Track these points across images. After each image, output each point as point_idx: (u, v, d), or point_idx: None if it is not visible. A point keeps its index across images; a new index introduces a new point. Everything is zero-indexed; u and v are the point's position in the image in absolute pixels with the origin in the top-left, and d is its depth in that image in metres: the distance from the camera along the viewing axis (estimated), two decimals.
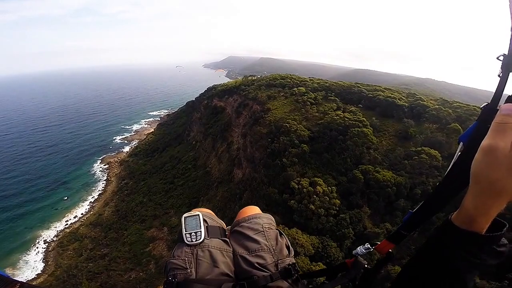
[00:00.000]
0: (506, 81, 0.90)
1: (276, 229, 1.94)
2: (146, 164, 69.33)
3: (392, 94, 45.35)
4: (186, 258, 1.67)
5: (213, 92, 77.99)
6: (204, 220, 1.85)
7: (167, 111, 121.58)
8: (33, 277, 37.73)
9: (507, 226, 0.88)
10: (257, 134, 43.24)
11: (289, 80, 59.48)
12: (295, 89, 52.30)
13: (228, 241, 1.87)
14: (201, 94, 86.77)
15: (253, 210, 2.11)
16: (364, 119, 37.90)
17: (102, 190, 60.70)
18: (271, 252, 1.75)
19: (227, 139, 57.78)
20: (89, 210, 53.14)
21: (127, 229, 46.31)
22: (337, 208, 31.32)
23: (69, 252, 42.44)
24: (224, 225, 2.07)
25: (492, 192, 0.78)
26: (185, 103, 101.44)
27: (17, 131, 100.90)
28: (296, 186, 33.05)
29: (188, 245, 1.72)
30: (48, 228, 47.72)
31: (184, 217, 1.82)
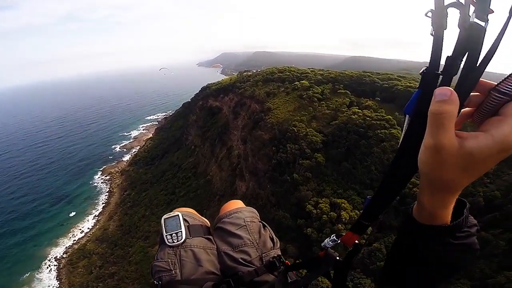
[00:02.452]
0: (442, 39, 0.72)
1: (259, 222, 1.80)
2: (146, 172, 63.67)
3: (411, 83, 36.38)
4: (170, 260, 1.55)
5: (207, 92, 69.09)
6: (185, 220, 1.70)
7: (164, 114, 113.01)
8: None
9: (468, 205, 0.79)
10: (258, 140, 34.62)
11: (288, 73, 50.30)
12: (296, 83, 43.19)
13: (212, 238, 1.74)
14: (196, 95, 78.31)
15: (235, 204, 1.97)
16: (390, 117, 29.02)
17: (106, 202, 57.10)
18: (254, 246, 1.64)
19: (226, 143, 49.65)
20: (95, 224, 50.45)
21: (132, 246, 42.97)
22: (367, 234, 22.91)
23: (79, 269, 41.08)
24: (207, 222, 1.91)
25: (448, 189, 0.70)
26: (181, 104, 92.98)
27: (15, 148, 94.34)
28: (314, 211, 24.68)
29: (170, 246, 1.59)
30: (56, 245, 45.82)
31: (164, 219, 1.68)
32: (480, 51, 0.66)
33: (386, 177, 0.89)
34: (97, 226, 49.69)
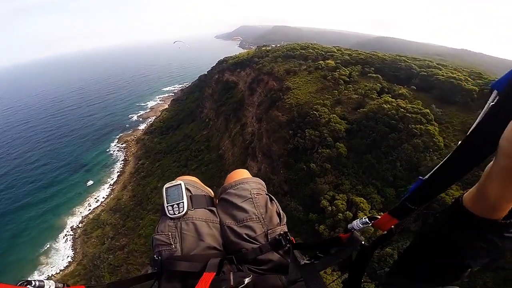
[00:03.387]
0: None
1: (266, 195, 1.67)
2: (161, 142, 63.33)
3: (453, 73, 31.24)
4: (170, 233, 1.45)
5: (224, 66, 65.34)
6: (187, 189, 1.58)
7: (181, 85, 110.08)
8: (65, 265, 37.66)
9: None
10: (275, 121, 31.36)
11: (312, 51, 45.53)
12: (321, 62, 38.65)
13: (215, 210, 1.61)
14: (212, 68, 74.82)
15: (242, 174, 1.82)
16: (427, 110, 24.68)
17: (121, 171, 57.39)
18: (260, 222, 1.51)
19: (240, 119, 46.81)
20: (110, 194, 50.78)
21: (142, 218, 42.54)
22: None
23: (93, 240, 41.54)
24: (211, 192, 1.78)
25: None
26: (198, 77, 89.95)
27: (38, 117, 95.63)
28: (329, 207, 21.93)
29: (171, 218, 1.48)
30: (73, 214, 46.44)
31: (165, 188, 1.57)
32: None
33: (450, 157, 0.78)
34: (112, 196, 50.11)
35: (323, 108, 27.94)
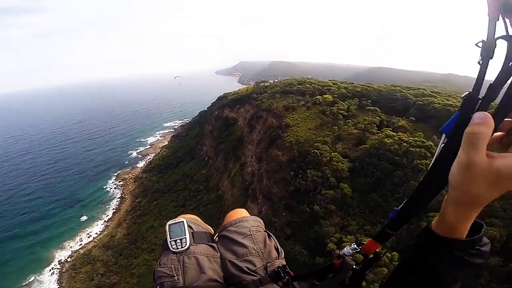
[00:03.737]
0: (486, 68, 0.82)
1: (264, 231, 1.74)
2: (159, 181, 61.99)
3: (449, 100, 31.03)
4: (173, 266, 1.50)
5: (223, 102, 66.09)
6: (189, 226, 1.65)
7: (181, 121, 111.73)
8: None
9: (485, 226, 0.86)
10: (275, 161, 30.40)
11: (309, 86, 46.00)
12: (318, 97, 38.77)
13: (216, 246, 1.68)
14: (212, 104, 75.83)
15: (240, 213, 1.91)
16: (430, 143, 23.79)
17: (117, 208, 56.00)
18: (259, 256, 1.58)
19: (240, 158, 46.02)
20: (103, 230, 49.41)
21: (136, 257, 41.07)
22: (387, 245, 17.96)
23: (81, 275, 39.96)
24: (211, 230, 1.86)
25: (472, 204, 0.76)
26: (198, 112, 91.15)
27: (38, 149, 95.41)
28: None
29: (173, 252, 1.54)
30: (63, 248, 45.07)
31: (169, 225, 1.63)
32: None
33: (416, 190, 0.96)
34: (105, 232, 48.72)
35: (324, 146, 27.12)
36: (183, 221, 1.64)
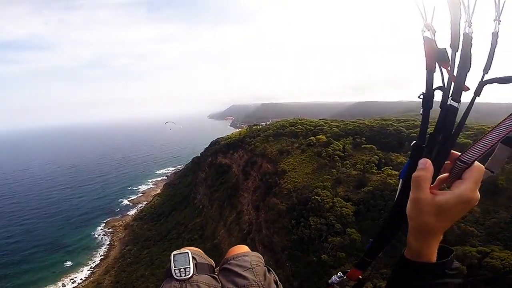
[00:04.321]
0: (428, 118, 0.94)
1: (265, 266, 1.82)
2: (151, 229, 58.86)
3: None
4: None
5: (216, 147, 65.27)
6: (193, 257, 1.73)
7: (174, 168, 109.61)
8: None
9: (455, 252, 0.97)
10: (273, 210, 28.35)
11: (301, 127, 45.89)
12: (312, 138, 38.36)
13: (217, 277, 1.75)
14: (205, 149, 74.87)
15: (242, 249, 2.01)
16: None
17: (105, 255, 53.08)
18: (259, 287, 1.64)
19: (236, 206, 43.49)
20: (89, 276, 46.61)
21: None
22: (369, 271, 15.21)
23: None
24: (213, 262, 1.92)
25: (428, 232, 0.90)
26: (191, 159, 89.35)
27: (23, 194, 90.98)
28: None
29: (177, 280, 1.60)
30: None
31: (174, 254, 1.71)
32: (452, 129, 0.87)
33: (384, 224, 1.12)
34: (91, 279, 45.95)
35: (324, 191, 25.51)
36: (187, 252, 1.69)
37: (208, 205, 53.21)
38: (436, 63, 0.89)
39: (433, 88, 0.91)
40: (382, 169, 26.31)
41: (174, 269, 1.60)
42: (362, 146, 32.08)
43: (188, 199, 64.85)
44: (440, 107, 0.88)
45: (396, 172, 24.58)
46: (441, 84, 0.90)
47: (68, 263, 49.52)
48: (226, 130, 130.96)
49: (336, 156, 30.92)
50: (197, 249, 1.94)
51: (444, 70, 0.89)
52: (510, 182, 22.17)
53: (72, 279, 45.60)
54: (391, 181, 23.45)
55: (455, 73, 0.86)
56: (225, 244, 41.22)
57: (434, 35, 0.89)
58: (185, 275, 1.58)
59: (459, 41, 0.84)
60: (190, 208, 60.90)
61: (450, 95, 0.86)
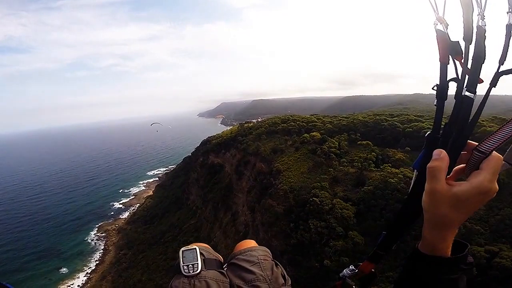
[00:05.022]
0: (442, 109, 0.94)
1: (272, 260, 1.81)
2: (145, 232, 57.00)
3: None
4: None
5: (207, 147, 63.25)
6: (201, 253, 1.72)
7: (165, 168, 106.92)
8: None
9: (469, 246, 0.94)
10: (270, 212, 27.01)
11: (293, 123, 44.60)
12: (306, 135, 37.15)
13: (225, 273, 1.74)
14: (196, 149, 72.78)
15: (249, 243, 1.98)
16: None
17: (100, 260, 51.88)
18: (267, 282, 1.63)
19: (231, 207, 42.03)
20: (86, 282, 45.61)
21: None
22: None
23: None
24: (221, 258, 1.91)
25: (444, 225, 0.88)
26: (182, 159, 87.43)
27: (11, 202, 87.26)
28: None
29: (185, 276, 1.59)
30: None
31: (182, 251, 1.71)
32: (468, 120, 0.85)
33: (398, 216, 1.06)
34: (88, 285, 45.04)
35: (323, 191, 24.26)
36: (195, 248, 1.69)
37: (202, 206, 51.55)
38: (449, 56, 0.88)
39: (447, 80, 0.90)
40: (381, 167, 25.30)
41: (183, 265, 1.58)
42: (358, 142, 31.10)
43: (181, 200, 62.98)
44: (454, 98, 0.88)
45: (397, 170, 23.69)
46: (455, 76, 0.90)
47: (64, 270, 48.34)
48: (217, 128, 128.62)
49: (332, 154, 29.78)
50: (205, 245, 1.91)
51: (457, 63, 0.88)
52: None
53: (69, 286, 44.50)
54: (392, 180, 22.37)
55: (469, 66, 0.85)
56: (221, 246, 39.83)
57: (447, 28, 0.88)
58: (194, 271, 1.56)
59: (472, 34, 0.83)
60: (184, 210, 59.22)
61: (465, 86, 0.85)
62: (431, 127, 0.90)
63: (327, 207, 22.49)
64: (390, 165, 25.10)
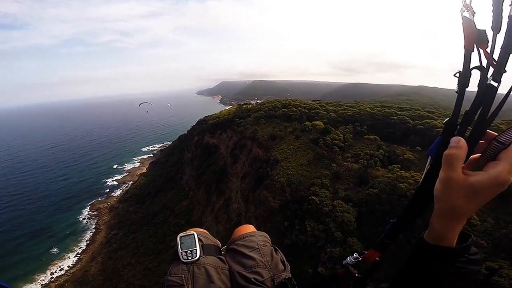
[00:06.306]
0: (463, 97, 0.92)
1: (271, 246, 1.79)
2: (137, 212, 55.60)
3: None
4: (183, 275, 1.51)
5: (203, 127, 60.23)
6: (199, 239, 1.69)
7: (161, 145, 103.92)
8: None
9: (473, 236, 0.93)
10: (264, 205, 24.69)
11: (294, 109, 41.38)
12: (307, 123, 34.16)
13: (224, 258, 1.71)
14: (192, 128, 69.69)
15: (248, 228, 1.96)
16: None
17: (91, 239, 51.01)
18: (267, 268, 1.62)
19: (224, 192, 39.86)
20: (76, 263, 44.94)
21: None
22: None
23: None
24: (219, 243, 1.89)
25: (455, 215, 0.85)
26: (178, 136, 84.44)
27: (3, 175, 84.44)
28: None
29: (184, 262, 1.56)
30: (32, 281, 40.18)
31: (180, 237, 1.68)
32: (490, 109, 0.82)
33: (408, 204, 1.04)
34: (79, 265, 44.46)
35: (323, 190, 21.71)
36: (193, 234, 1.65)
37: (194, 188, 49.50)
38: (474, 44, 0.85)
39: (471, 67, 0.87)
40: (390, 167, 22.66)
41: (181, 252, 1.54)
42: (365, 136, 28.24)
43: (174, 180, 60.97)
44: (478, 86, 0.84)
45: (407, 174, 21.07)
46: (479, 65, 0.85)
47: (55, 250, 47.32)
48: (214, 107, 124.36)
49: (335, 147, 26.96)
50: (203, 230, 1.85)
51: (481, 51, 0.84)
52: None
53: (60, 267, 43.60)
54: (402, 186, 19.77)
55: (494, 55, 0.82)
56: (212, 231, 37.83)
57: (473, 16, 0.85)
58: (192, 258, 1.53)
59: (501, 23, 0.79)
60: (176, 190, 57.33)
61: (490, 75, 0.82)
62: (443, 126, 0.89)
63: (326, 209, 20.04)
64: (399, 166, 22.43)
